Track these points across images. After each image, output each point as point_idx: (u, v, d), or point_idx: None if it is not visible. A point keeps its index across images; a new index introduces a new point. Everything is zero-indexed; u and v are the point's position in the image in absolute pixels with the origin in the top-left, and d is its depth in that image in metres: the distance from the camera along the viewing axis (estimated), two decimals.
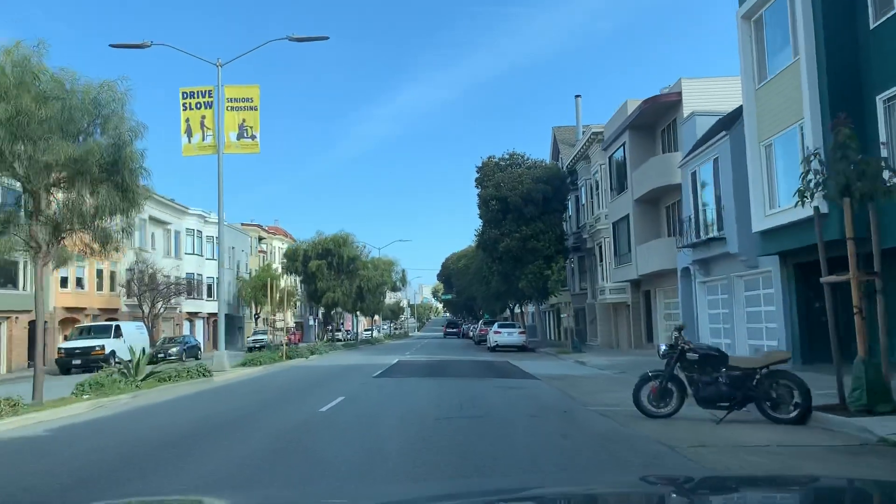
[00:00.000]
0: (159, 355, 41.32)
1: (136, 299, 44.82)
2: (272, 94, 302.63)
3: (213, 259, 62.17)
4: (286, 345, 59.13)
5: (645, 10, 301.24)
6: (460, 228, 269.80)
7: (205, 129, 21.82)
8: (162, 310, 47.65)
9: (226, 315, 66.67)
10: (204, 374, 18.96)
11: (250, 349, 54.70)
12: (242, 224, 78.05)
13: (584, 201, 40.85)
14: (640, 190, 29.87)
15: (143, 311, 44.63)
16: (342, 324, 78.42)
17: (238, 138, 21.99)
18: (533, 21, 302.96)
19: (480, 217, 41.41)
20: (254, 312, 72.34)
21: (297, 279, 49.91)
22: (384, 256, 64.42)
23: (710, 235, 22.14)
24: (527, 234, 38.11)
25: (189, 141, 21.86)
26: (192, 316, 58.56)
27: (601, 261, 37.29)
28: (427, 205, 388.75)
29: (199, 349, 46.57)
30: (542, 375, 20.04)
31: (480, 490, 2.98)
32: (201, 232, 60.33)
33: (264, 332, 63.96)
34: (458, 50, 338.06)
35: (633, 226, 31.44)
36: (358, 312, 57.63)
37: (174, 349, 42.78)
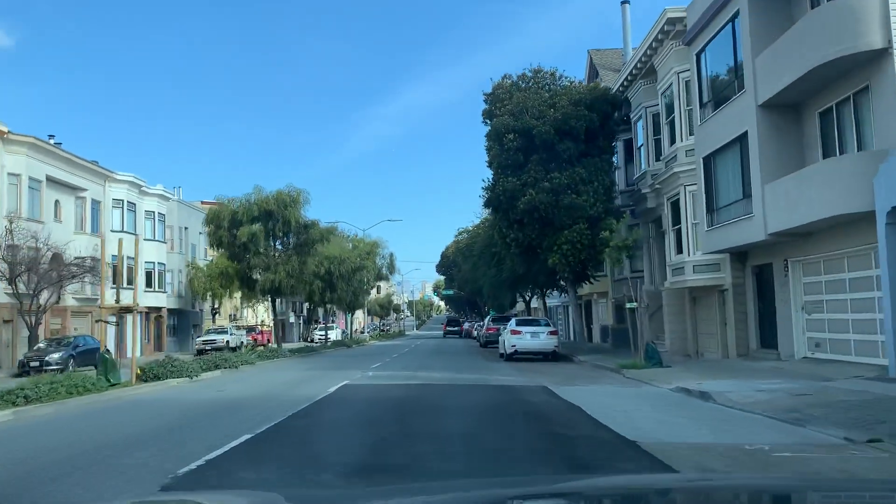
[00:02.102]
0: (32, 364, 29.49)
1: (13, 287, 32.09)
2: (275, 97, 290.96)
3: (154, 240, 49.64)
4: (242, 348, 46.56)
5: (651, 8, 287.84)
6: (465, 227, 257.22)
7: None
8: (55, 300, 34.79)
9: (176, 310, 53.16)
10: None
11: (199, 352, 42.60)
12: (203, 202, 65.12)
13: (641, 141, 27.81)
14: (779, 83, 16.86)
15: (20, 303, 31.95)
16: (334, 322, 66.00)
17: None
18: (539, 19, 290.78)
19: (489, 164, 27.85)
20: (212, 307, 59.59)
21: (224, 253, 35.43)
22: (366, 237, 51.40)
23: None
24: (561, 183, 24.95)
25: None
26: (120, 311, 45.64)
27: (676, 224, 24.37)
28: (429, 206, 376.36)
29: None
30: (668, 452, 7.12)
31: None
32: (134, 205, 47.57)
33: (223, 331, 51.14)
34: (464, 49, 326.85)
35: (755, 151, 18.43)
36: (329, 305, 44.27)
37: (56, 355, 30.63)
